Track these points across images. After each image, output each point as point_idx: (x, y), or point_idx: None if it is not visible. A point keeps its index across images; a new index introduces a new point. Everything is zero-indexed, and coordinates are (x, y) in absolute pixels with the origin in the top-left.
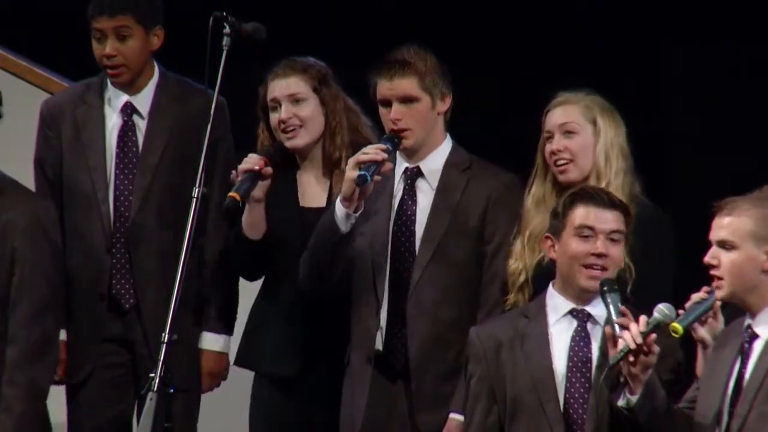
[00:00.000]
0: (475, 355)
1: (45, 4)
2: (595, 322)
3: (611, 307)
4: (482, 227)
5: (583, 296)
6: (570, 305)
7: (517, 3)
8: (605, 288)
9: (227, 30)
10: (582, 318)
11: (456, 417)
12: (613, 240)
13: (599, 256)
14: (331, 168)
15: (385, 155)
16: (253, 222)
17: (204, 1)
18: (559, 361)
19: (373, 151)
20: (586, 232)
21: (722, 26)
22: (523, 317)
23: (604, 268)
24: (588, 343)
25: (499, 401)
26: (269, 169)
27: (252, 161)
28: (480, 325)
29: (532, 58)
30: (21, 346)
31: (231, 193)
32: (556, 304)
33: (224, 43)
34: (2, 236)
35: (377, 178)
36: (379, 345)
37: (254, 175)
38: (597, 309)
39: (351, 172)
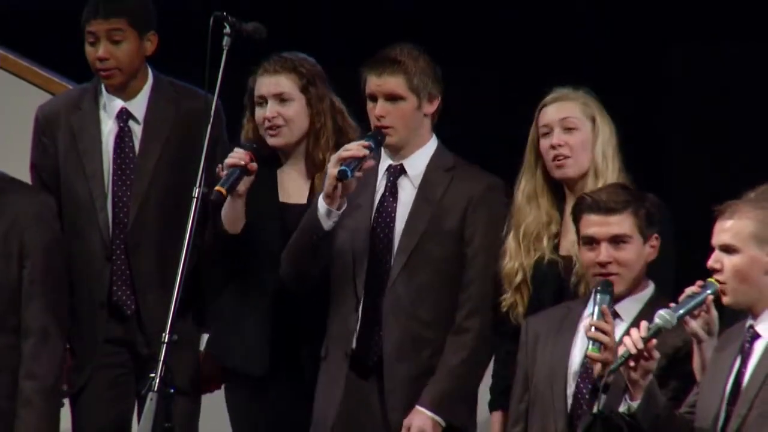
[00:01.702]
0: (521, 343)
1: (45, 4)
2: (621, 320)
3: (596, 307)
4: (462, 228)
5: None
6: None
7: (517, 3)
8: (598, 288)
9: (227, 30)
10: None
11: (422, 410)
12: (618, 243)
13: (604, 264)
14: (314, 169)
15: (367, 152)
16: (234, 217)
17: (204, 1)
18: (578, 356)
19: (354, 148)
20: (590, 241)
21: (722, 26)
22: (567, 309)
23: (614, 274)
24: None
25: (530, 389)
26: (254, 165)
27: (238, 156)
28: (535, 314)
29: (532, 57)
30: (38, 339)
31: (217, 187)
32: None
33: (224, 43)
34: (12, 231)
35: (358, 174)
36: (354, 340)
37: (240, 170)
38: (623, 307)
39: (333, 169)
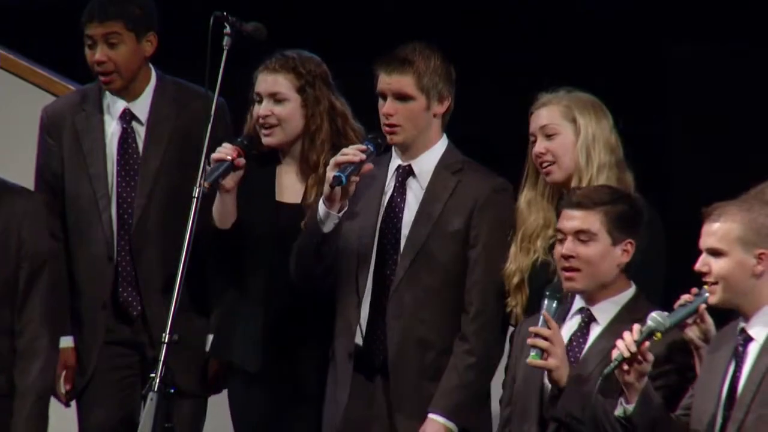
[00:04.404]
0: (512, 349)
1: (45, 4)
2: (597, 323)
3: (542, 313)
4: (467, 231)
5: (588, 297)
6: (580, 304)
7: (517, 3)
8: (547, 293)
9: (228, 30)
10: (585, 317)
11: (435, 418)
12: (581, 240)
13: (566, 258)
14: (308, 170)
15: (364, 156)
16: (222, 212)
17: (204, 1)
18: None
19: (351, 152)
20: (559, 235)
21: (722, 26)
22: None
23: (575, 269)
24: (583, 343)
25: (512, 393)
26: (242, 160)
27: (225, 151)
28: (528, 318)
29: (532, 57)
30: (34, 338)
31: (201, 181)
32: (576, 302)
33: (224, 43)
34: (9, 230)
35: (354, 178)
36: (359, 340)
37: (227, 165)
38: (599, 309)
39: (330, 173)
